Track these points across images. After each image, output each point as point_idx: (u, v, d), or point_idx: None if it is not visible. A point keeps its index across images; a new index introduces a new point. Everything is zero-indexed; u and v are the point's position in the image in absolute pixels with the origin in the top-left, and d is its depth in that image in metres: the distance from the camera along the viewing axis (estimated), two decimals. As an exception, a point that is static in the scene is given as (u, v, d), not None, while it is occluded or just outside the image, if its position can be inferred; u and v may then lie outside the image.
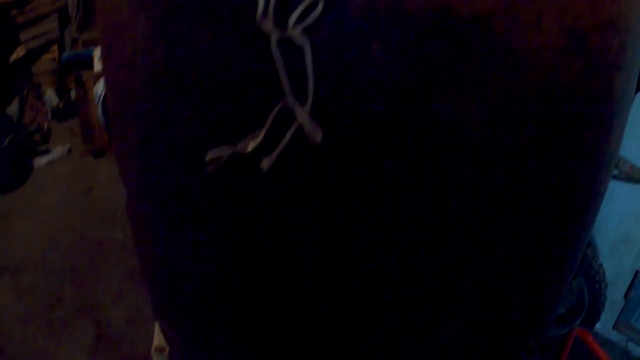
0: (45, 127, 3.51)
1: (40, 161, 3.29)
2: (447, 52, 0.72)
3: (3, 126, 3.23)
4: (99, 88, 1.66)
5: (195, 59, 0.83)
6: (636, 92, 1.02)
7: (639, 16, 0.83)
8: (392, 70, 0.72)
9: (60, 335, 2.36)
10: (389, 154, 0.77)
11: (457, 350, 1.14)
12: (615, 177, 1.62)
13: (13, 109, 3.52)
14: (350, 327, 1.05)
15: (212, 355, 1.35)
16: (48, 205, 3.00)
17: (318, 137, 0.73)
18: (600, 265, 1.90)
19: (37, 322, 2.41)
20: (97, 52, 2.42)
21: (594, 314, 1.99)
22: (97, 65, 2.37)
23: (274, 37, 0.73)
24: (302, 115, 0.73)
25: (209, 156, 0.80)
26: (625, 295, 2.08)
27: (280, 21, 0.73)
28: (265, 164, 0.78)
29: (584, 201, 1.03)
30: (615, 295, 2.06)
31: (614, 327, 2.16)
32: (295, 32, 0.73)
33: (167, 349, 1.53)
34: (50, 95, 3.60)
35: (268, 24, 0.74)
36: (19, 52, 3.63)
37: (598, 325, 2.09)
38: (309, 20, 0.72)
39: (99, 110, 1.68)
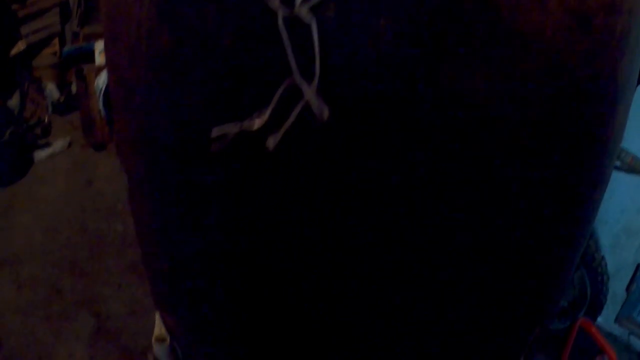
0: (46, 121, 3.51)
1: (40, 154, 3.29)
2: (454, 30, 0.72)
3: (4, 119, 3.23)
4: (100, 81, 1.66)
5: (201, 40, 0.82)
6: (638, 83, 1.02)
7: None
8: (400, 48, 0.72)
9: (60, 327, 2.35)
10: (396, 130, 0.77)
11: (461, 346, 1.14)
12: (617, 169, 1.62)
13: (14, 102, 3.51)
14: (351, 326, 1.05)
15: (212, 347, 1.35)
16: (48, 198, 3.00)
17: (325, 114, 0.73)
18: (602, 258, 1.90)
19: (36, 314, 2.40)
20: (98, 46, 2.42)
21: (596, 307, 1.98)
22: (98, 59, 2.37)
23: (281, 15, 0.73)
24: (309, 92, 0.73)
25: (215, 133, 0.80)
26: (627, 289, 2.07)
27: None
28: (271, 142, 0.78)
29: (588, 186, 1.02)
30: (617, 288, 2.06)
31: (615, 320, 2.15)
32: (303, 10, 0.72)
33: (168, 339, 1.52)
34: (51, 89, 3.59)
35: (275, 2, 0.74)
36: (20, 46, 3.62)
37: (600, 319, 2.08)
38: (316, -2, 0.72)
39: (100, 103, 1.68)
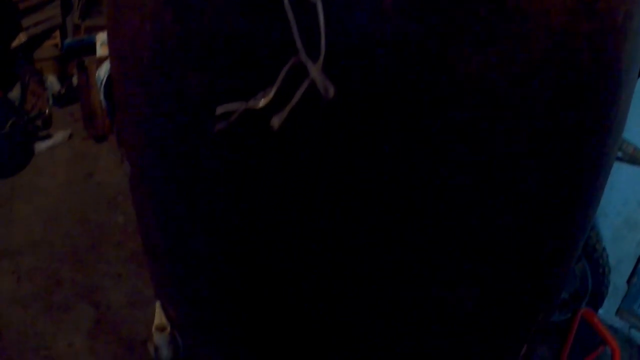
0: (46, 113, 3.50)
1: (41, 146, 3.28)
2: (460, 9, 0.72)
3: (5, 111, 3.22)
4: (101, 72, 1.66)
5: (205, 19, 0.82)
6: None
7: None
8: (406, 27, 0.71)
9: (60, 318, 2.35)
10: (402, 111, 0.76)
11: (461, 342, 1.14)
12: (619, 160, 1.62)
13: (15, 94, 3.51)
14: (351, 326, 1.05)
15: (210, 336, 1.35)
16: (49, 189, 3.00)
17: (330, 92, 0.73)
18: (604, 249, 1.89)
19: (36, 305, 2.40)
20: (99, 38, 2.42)
21: (598, 299, 1.98)
22: (100, 51, 2.37)
23: (286, -7, 0.73)
24: (314, 70, 0.73)
25: (220, 110, 0.80)
26: (628, 281, 2.07)
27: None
28: (276, 122, 0.78)
29: (591, 173, 1.02)
30: (618, 281, 2.06)
31: (616, 313, 2.15)
32: (308, -12, 0.72)
33: (168, 328, 1.52)
34: (52, 82, 3.58)
35: (280, -19, 0.73)
36: (21, 38, 3.62)
37: (601, 312, 2.08)
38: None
39: (101, 95, 1.68)
